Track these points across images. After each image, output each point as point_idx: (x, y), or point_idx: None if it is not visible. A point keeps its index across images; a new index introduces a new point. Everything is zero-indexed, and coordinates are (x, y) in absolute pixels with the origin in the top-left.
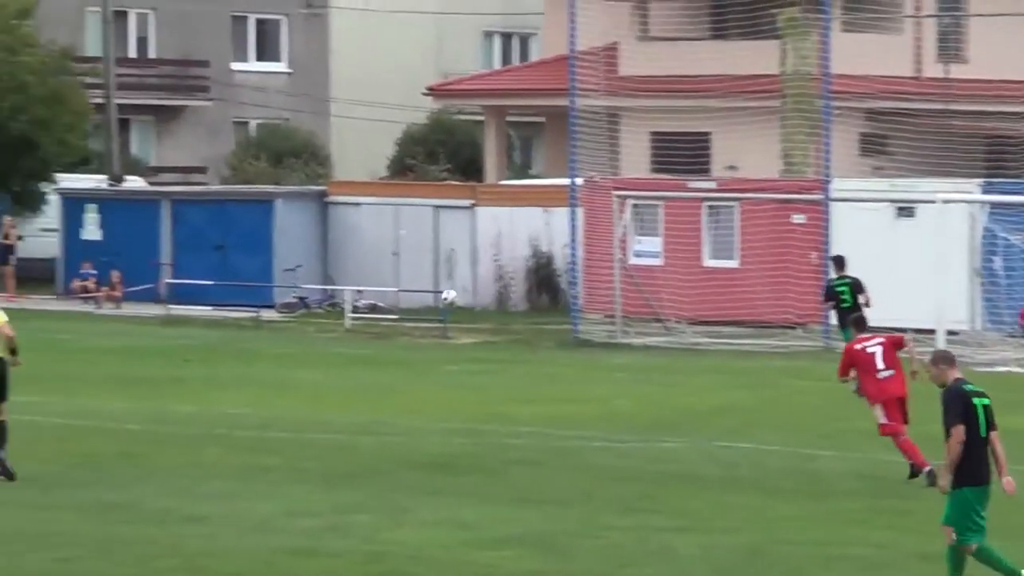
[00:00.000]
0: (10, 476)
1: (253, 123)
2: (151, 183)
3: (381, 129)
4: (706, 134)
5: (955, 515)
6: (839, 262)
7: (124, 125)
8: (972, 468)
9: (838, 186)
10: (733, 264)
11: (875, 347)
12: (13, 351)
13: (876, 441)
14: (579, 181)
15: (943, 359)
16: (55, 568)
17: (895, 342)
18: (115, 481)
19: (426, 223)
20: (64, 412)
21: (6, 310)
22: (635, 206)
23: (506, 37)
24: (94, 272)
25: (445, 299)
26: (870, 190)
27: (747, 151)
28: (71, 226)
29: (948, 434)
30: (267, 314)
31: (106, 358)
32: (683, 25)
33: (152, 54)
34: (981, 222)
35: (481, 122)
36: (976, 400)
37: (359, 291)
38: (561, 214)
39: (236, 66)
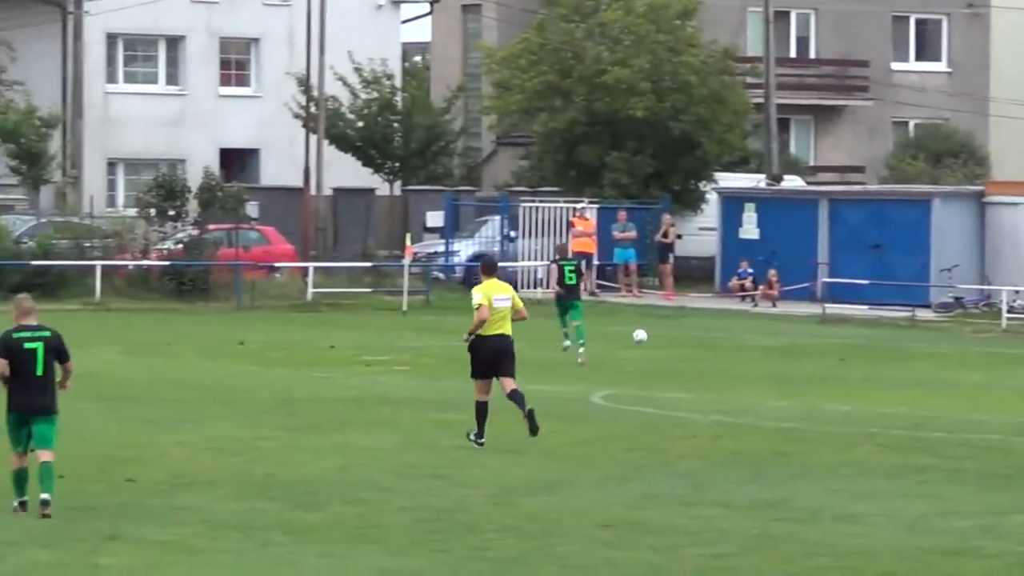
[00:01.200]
0: (534, 430)
1: (912, 123)
2: (809, 183)
3: None
4: None
5: None
6: None
7: (783, 125)
8: None
9: None
10: None
11: None
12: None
13: None
14: None
15: None
16: (711, 564)
17: None
18: (768, 478)
19: None
20: (719, 409)
21: (662, 308)
22: None
23: None
24: (751, 271)
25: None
26: None
27: None
28: (729, 225)
29: None
30: (922, 314)
31: (762, 356)
32: None
33: (812, 54)
34: None
35: None
36: None
37: (1016, 291)
38: None
39: (896, 66)
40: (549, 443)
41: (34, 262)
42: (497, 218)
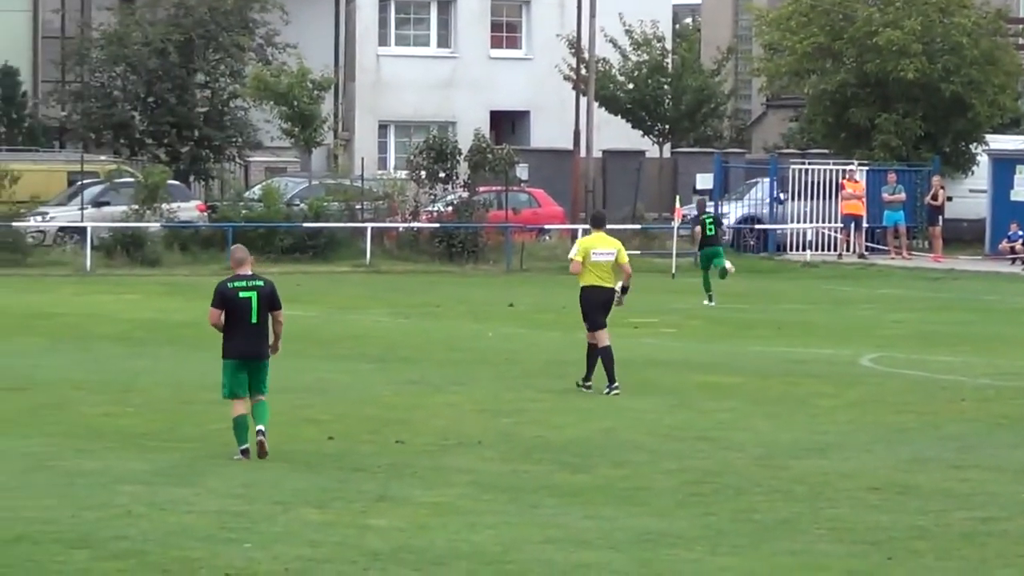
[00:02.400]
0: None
1: None
2: None
3: None
4: None
5: None
6: None
7: None
8: None
9: None
10: None
11: None
12: (625, 289)
13: None
14: None
15: None
16: (978, 528)
17: None
18: None
19: None
20: (988, 372)
21: (931, 270)
22: None
23: None
24: (1021, 233)
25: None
26: None
27: None
28: (1000, 187)
29: None
30: None
31: None
32: None
33: None
34: None
35: None
36: None
37: None
38: None
39: None
40: (817, 405)
41: (305, 224)
42: (766, 180)
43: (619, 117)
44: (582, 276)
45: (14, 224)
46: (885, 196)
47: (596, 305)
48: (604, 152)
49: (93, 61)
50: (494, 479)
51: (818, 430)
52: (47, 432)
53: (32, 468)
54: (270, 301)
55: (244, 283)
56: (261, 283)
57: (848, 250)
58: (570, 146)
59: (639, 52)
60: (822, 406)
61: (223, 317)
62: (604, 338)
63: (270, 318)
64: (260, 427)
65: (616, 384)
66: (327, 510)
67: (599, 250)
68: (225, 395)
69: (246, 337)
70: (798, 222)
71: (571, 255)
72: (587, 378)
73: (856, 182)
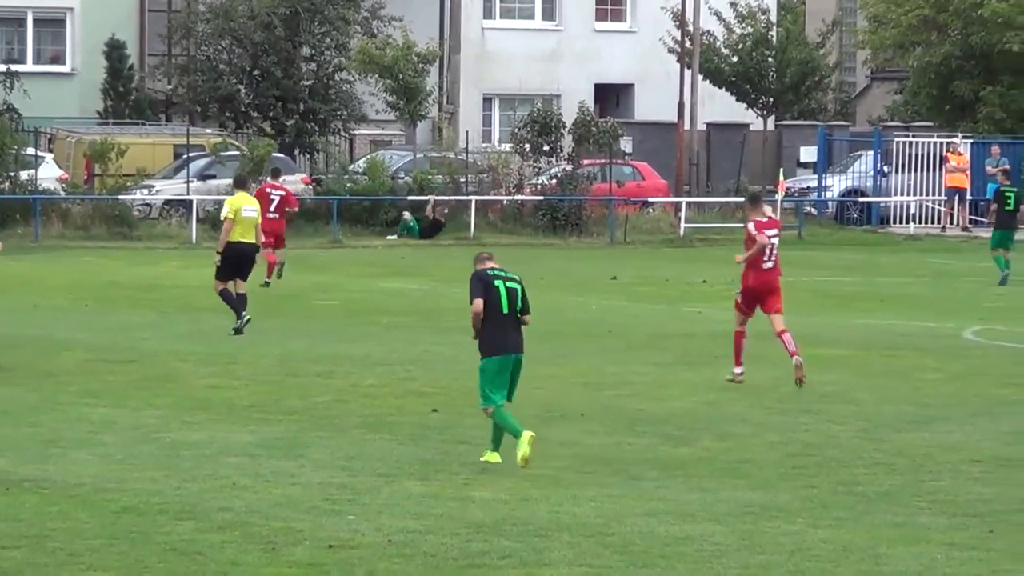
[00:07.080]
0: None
1: None
2: None
3: None
4: None
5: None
6: None
7: None
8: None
9: None
10: None
11: None
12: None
13: None
14: None
15: None
16: None
17: None
18: None
19: None
20: None
21: None
22: None
23: None
24: None
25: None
26: None
27: None
28: None
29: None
30: None
31: None
32: None
33: None
34: None
35: None
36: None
37: None
38: None
39: None
40: (920, 378)
41: (410, 197)
42: (870, 153)
43: (723, 90)
44: (232, 232)
45: (121, 197)
46: (989, 169)
47: (241, 259)
48: (708, 125)
49: (199, 34)
50: (597, 451)
51: (921, 403)
52: (154, 404)
53: (139, 440)
54: None
55: None
56: None
57: (952, 223)
58: (674, 119)
59: (744, 25)
60: (925, 379)
61: None
62: (243, 287)
63: None
64: None
65: (247, 316)
66: (430, 482)
67: (248, 207)
68: None
69: None
70: (902, 195)
71: (223, 215)
72: (239, 316)
73: (960, 155)
